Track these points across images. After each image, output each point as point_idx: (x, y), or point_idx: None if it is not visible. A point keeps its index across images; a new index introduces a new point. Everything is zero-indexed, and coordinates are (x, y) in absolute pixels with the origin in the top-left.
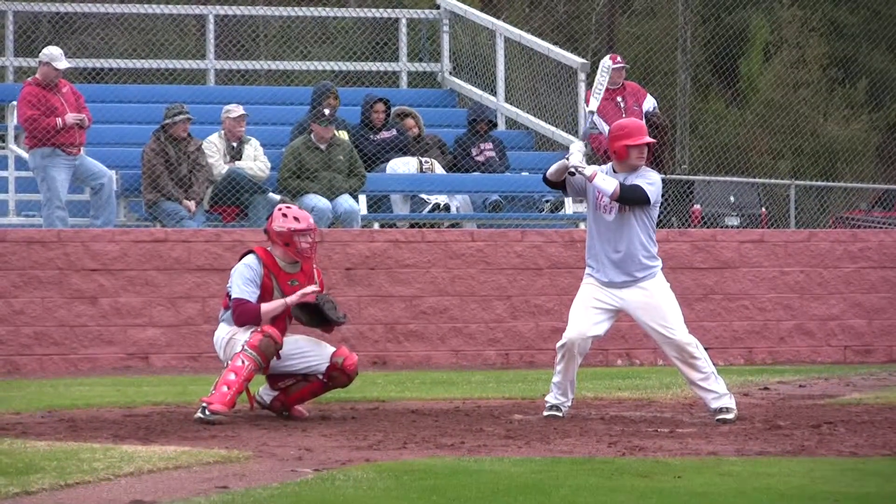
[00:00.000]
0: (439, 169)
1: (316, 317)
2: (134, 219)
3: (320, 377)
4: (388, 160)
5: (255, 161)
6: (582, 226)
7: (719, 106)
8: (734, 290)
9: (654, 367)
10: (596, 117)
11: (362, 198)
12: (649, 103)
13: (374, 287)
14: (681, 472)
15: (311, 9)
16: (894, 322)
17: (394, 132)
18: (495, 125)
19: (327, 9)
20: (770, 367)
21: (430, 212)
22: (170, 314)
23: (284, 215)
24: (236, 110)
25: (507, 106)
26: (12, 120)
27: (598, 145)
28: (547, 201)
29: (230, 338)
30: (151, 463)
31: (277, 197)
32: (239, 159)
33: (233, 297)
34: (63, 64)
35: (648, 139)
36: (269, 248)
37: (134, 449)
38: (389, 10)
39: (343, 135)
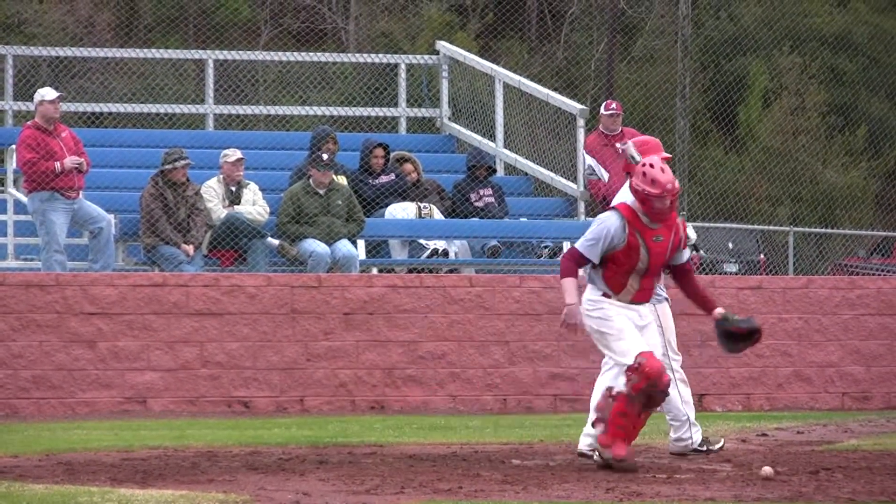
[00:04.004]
0: (438, 214)
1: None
2: (132, 263)
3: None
4: (386, 205)
5: (254, 205)
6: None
7: (718, 153)
8: None
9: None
10: (594, 163)
11: (361, 243)
12: None
13: (373, 332)
14: None
15: (310, 54)
16: (892, 369)
17: (392, 177)
18: (494, 171)
19: (326, 54)
20: (768, 414)
21: (428, 257)
22: (168, 358)
23: (644, 174)
24: (234, 154)
25: (506, 152)
26: (11, 163)
27: (597, 191)
28: (545, 247)
29: (606, 328)
30: None
31: (276, 242)
32: (238, 203)
33: (575, 245)
34: (53, 94)
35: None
36: (631, 204)
37: (131, 492)
38: (388, 56)
39: (342, 180)
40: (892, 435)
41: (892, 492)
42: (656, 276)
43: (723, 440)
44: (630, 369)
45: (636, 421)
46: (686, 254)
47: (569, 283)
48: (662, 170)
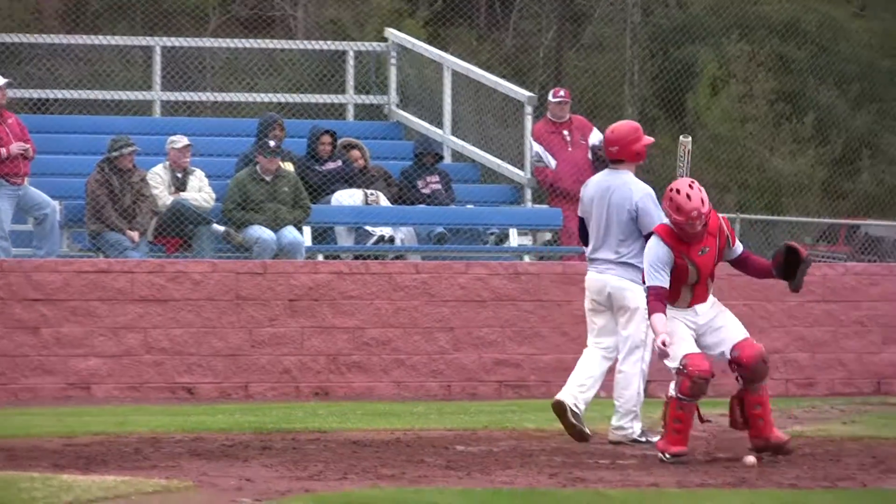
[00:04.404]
0: (384, 201)
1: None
2: (77, 249)
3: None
4: (333, 192)
5: (200, 192)
6: (527, 258)
7: (666, 140)
8: None
9: (596, 400)
10: (542, 150)
11: (307, 229)
12: (596, 137)
13: (318, 318)
14: None
15: (258, 41)
16: (837, 356)
17: (339, 164)
18: (441, 158)
19: (274, 41)
20: (712, 400)
21: (374, 244)
22: (112, 344)
23: (671, 199)
24: (181, 141)
25: (454, 139)
26: None
27: (544, 178)
28: (492, 234)
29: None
30: (91, 493)
31: (222, 228)
32: (184, 190)
33: (646, 282)
34: (1, 80)
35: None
36: (669, 224)
37: (73, 478)
38: (337, 43)
39: (288, 166)
40: (835, 421)
41: (835, 478)
42: (709, 281)
43: (661, 434)
44: (678, 372)
45: (691, 417)
46: (739, 248)
47: (656, 320)
48: (688, 196)
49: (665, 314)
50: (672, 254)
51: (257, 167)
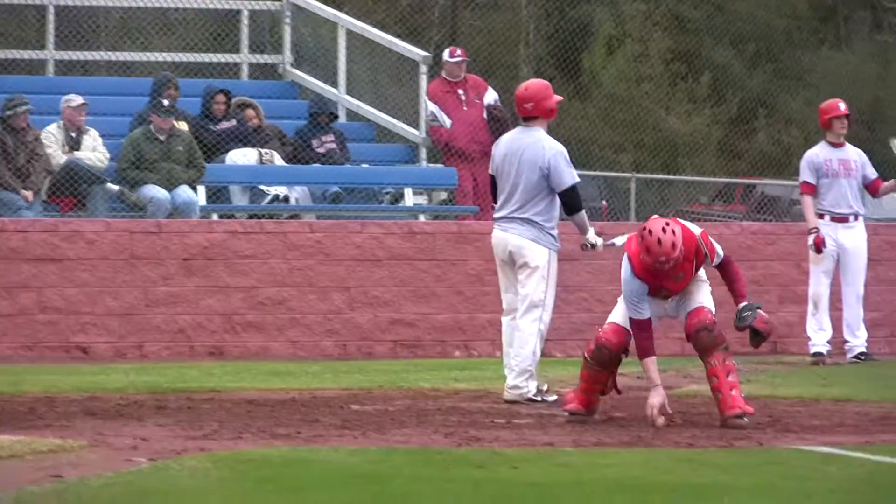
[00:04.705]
0: (279, 160)
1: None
2: None
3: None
4: (227, 151)
5: (94, 151)
6: (422, 217)
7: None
8: (573, 282)
9: (491, 359)
10: (437, 110)
11: (201, 188)
12: (491, 97)
13: (212, 278)
14: (517, 463)
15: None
16: (731, 315)
17: (234, 123)
18: (336, 117)
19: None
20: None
21: (269, 203)
22: (5, 304)
23: (642, 238)
24: (76, 100)
25: (349, 98)
26: None
27: (439, 138)
28: (387, 193)
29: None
30: None
31: (116, 187)
32: (78, 149)
33: (629, 316)
34: None
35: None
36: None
37: None
38: (231, 2)
39: (182, 125)
40: None
41: (731, 437)
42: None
43: (556, 395)
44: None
45: (596, 380)
46: (718, 258)
47: (647, 364)
48: (659, 241)
49: (654, 353)
50: (646, 286)
51: (151, 126)
